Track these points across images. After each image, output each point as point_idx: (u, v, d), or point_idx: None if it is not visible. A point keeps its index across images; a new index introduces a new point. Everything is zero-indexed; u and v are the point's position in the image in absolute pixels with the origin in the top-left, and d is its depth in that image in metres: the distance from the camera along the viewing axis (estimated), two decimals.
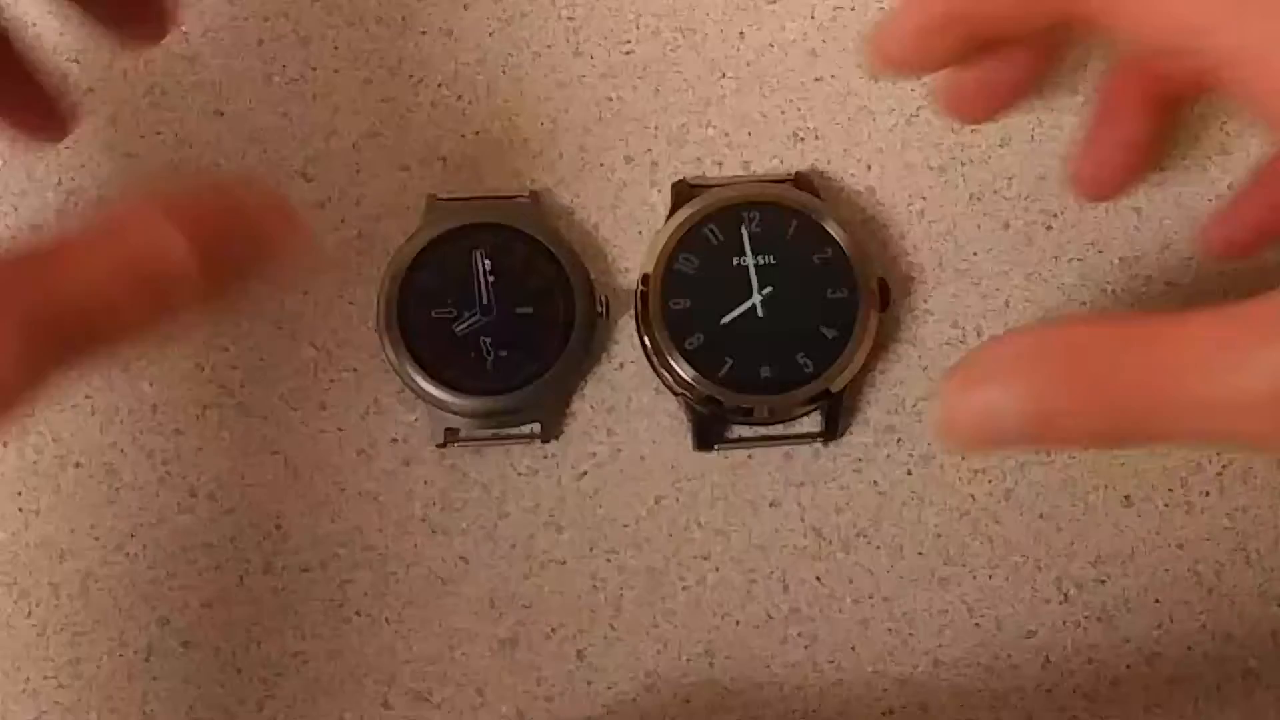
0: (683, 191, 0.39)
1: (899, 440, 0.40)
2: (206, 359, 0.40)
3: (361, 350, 0.40)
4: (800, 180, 0.39)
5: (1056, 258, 0.41)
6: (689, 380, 0.37)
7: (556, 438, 0.40)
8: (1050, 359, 0.26)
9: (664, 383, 0.38)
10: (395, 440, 0.40)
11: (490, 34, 0.42)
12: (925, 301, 0.41)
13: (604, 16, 0.42)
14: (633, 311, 0.38)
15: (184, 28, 0.39)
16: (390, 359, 0.38)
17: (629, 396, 0.40)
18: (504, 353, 0.39)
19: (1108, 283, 0.41)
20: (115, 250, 0.26)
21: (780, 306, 0.37)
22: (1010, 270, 0.41)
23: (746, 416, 0.38)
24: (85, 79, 0.41)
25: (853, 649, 0.40)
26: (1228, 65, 0.25)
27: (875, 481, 0.40)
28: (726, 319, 0.38)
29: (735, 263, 0.38)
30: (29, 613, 0.39)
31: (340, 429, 0.40)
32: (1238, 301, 0.24)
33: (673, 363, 0.37)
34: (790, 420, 0.38)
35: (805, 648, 0.40)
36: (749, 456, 0.40)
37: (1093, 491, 0.40)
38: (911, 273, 0.41)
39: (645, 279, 0.38)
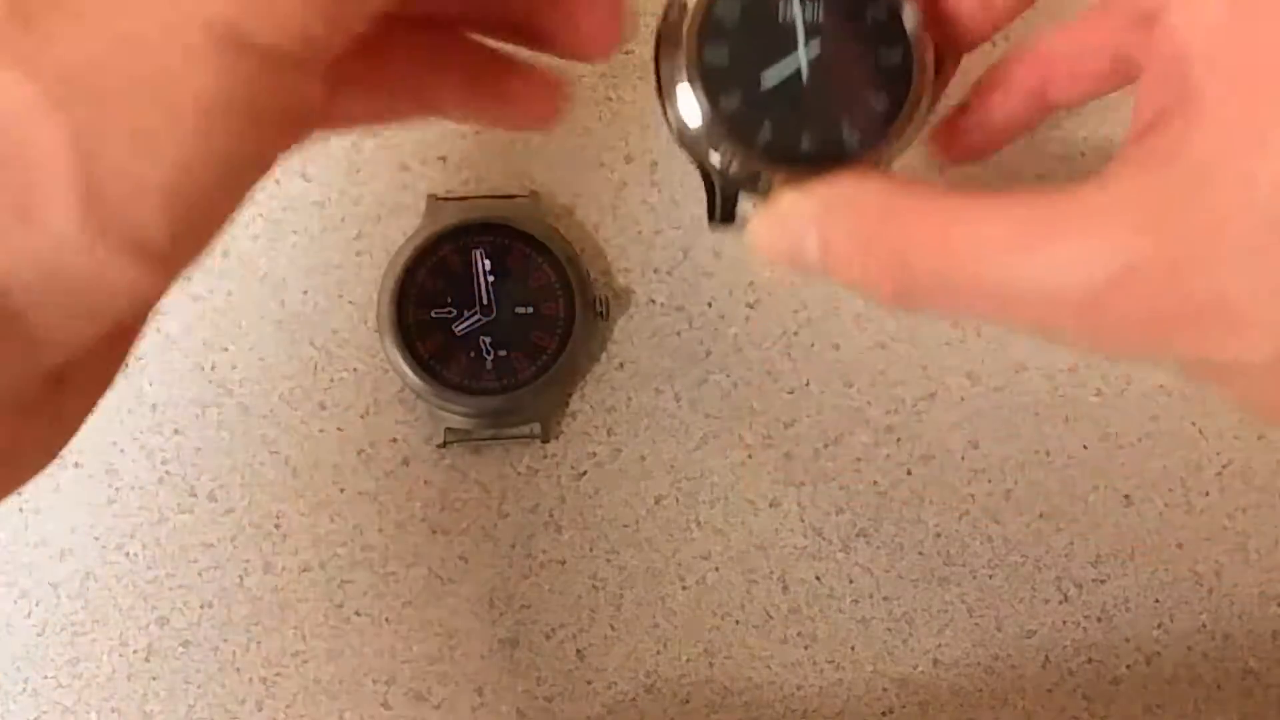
0: None
1: (899, 440, 0.40)
2: (206, 359, 0.40)
3: (361, 350, 0.40)
4: None
5: None
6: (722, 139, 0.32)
7: (556, 438, 0.40)
8: (852, 218, 0.27)
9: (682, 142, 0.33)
10: (395, 440, 0.40)
11: None
12: None
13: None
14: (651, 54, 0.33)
15: None
16: (390, 359, 0.38)
17: (629, 396, 0.40)
18: (504, 352, 0.39)
19: None
20: None
21: (828, 67, 0.32)
22: None
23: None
24: None
25: (853, 649, 0.40)
26: None
27: (875, 481, 0.40)
28: (767, 79, 0.34)
29: (781, 15, 0.34)
30: (29, 613, 0.39)
31: (340, 429, 0.40)
32: (1039, 192, 0.24)
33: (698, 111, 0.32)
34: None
35: (805, 648, 0.40)
36: (749, 457, 0.40)
37: (1093, 491, 0.40)
38: None
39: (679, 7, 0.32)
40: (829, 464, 0.40)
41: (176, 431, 0.40)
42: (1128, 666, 0.40)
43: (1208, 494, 0.41)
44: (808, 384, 0.40)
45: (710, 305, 0.40)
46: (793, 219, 0.28)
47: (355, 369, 0.40)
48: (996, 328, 0.41)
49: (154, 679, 0.39)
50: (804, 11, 0.32)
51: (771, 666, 0.40)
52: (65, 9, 0.21)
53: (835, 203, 0.28)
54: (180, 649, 0.39)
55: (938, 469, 0.40)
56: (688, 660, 0.40)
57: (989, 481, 0.40)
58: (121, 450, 0.40)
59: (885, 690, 0.40)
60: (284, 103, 0.22)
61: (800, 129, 0.31)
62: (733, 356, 0.40)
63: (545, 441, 0.40)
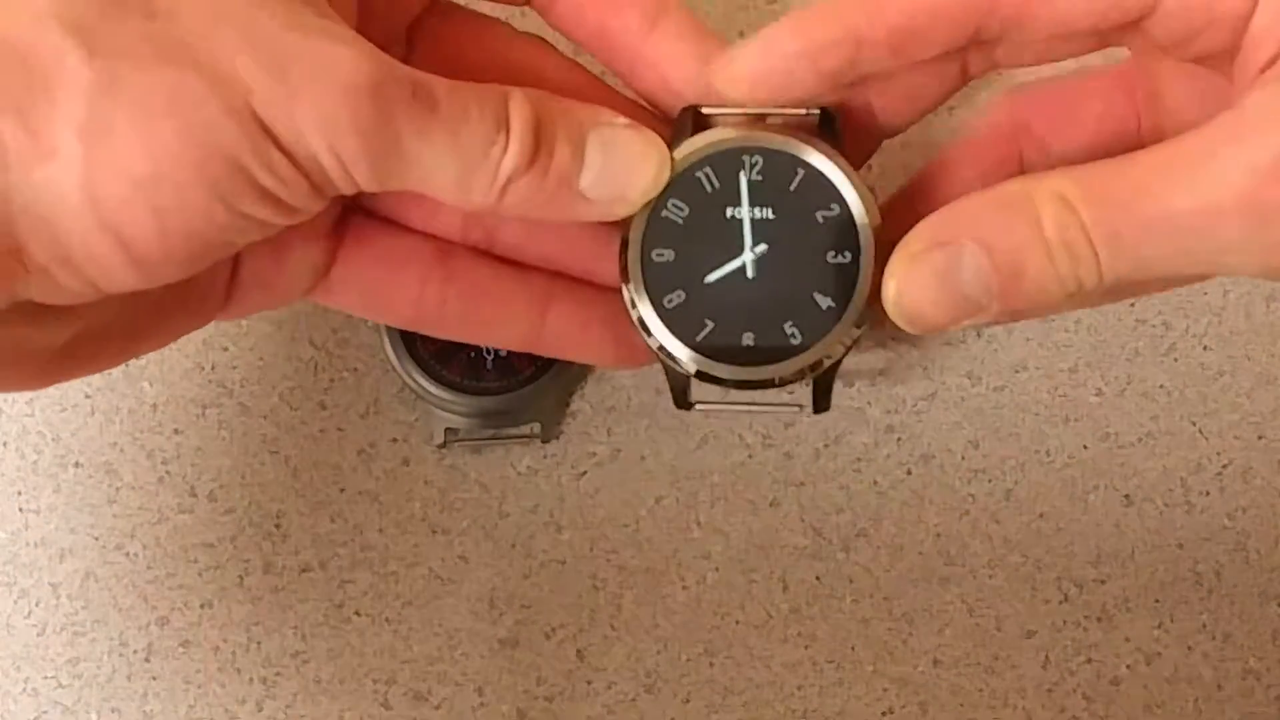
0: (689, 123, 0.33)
1: (899, 440, 0.40)
2: (206, 359, 0.40)
3: (361, 350, 0.40)
4: (824, 118, 0.32)
5: None
6: (661, 342, 0.32)
7: (556, 438, 0.40)
8: (1011, 211, 0.25)
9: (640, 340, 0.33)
10: (395, 440, 0.40)
11: None
12: None
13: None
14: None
15: None
16: (390, 359, 0.38)
17: (629, 396, 0.40)
18: (504, 353, 0.39)
19: None
20: None
21: (774, 267, 0.32)
22: None
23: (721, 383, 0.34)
24: None
25: (853, 649, 0.40)
26: None
27: (875, 481, 0.40)
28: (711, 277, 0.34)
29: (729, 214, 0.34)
30: (29, 613, 0.39)
31: (340, 429, 0.40)
32: (1181, 135, 0.25)
33: (647, 320, 0.32)
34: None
35: (805, 648, 0.40)
36: (749, 457, 0.40)
37: (1093, 491, 0.40)
38: None
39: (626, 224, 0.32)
40: (829, 464, 0.40)
41: (176, 431, 0.40)
42: (1128, 666, 0.40)
43: (1208, 494, 0.41)
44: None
45: None
46: (939, 248, 0.26)
47: (355, 369, 0.40)
48: (996, 328, 0.41)
49: (154, 679, 0.39)
50: (752, 213, 0.31)
51: (771, 666, 0.40)
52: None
53: (983, 204, 0.26)
54: (180, 649, 0.39)
55: (938, 469, 0.40)
56: (688, 660, 0.40)
57: (989, 481, 0.40)
58: (121, 450, 0.40)
59: (885, 690, 0.40)
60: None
61: (742, 328, 0.32)
62: None
63: (545, 442, 0.40)
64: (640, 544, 0.40)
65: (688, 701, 0.40)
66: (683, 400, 0.33)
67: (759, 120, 0.31)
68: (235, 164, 0.23)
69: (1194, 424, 0.41)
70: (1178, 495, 0.40)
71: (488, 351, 0.39)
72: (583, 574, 0.40)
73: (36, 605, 0.39)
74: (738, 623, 0.40)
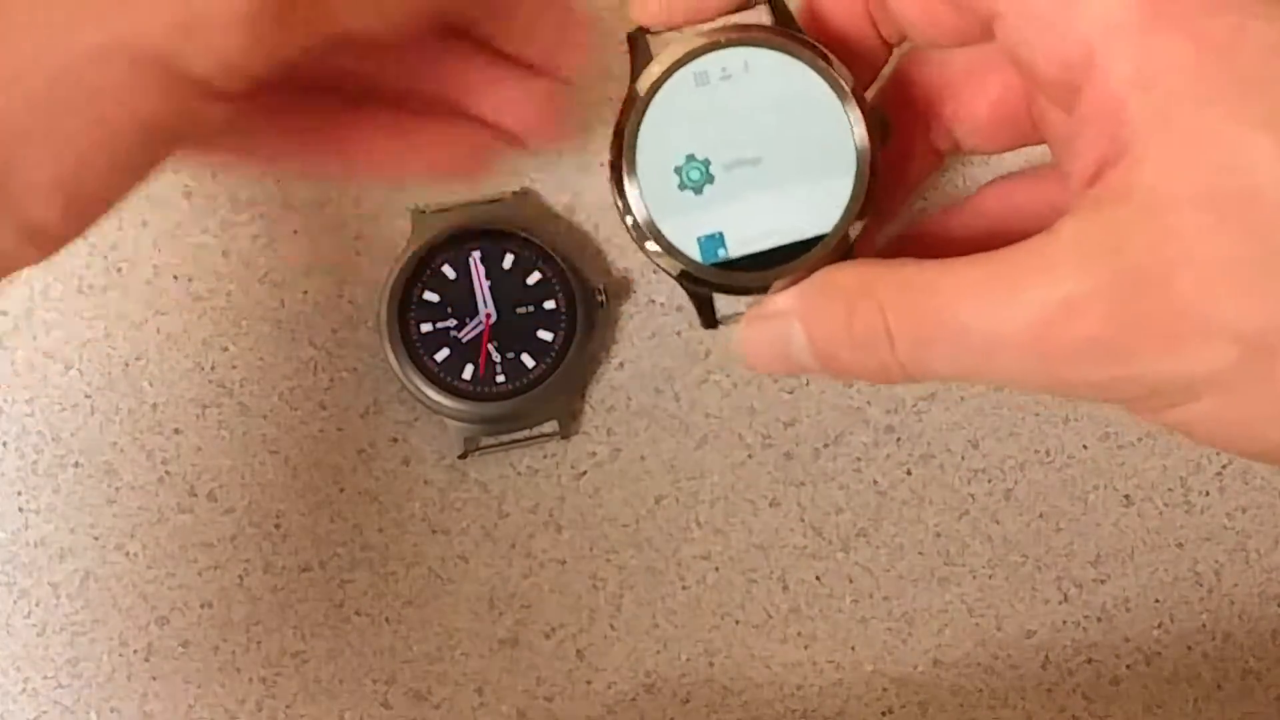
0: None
1: (899, 440, 0.40)
2: (206, 359, 0.40)
3: (361, 350, 0.40)
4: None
5: None
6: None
7: (575, 433, 0.40)
8: (831, 302, 0.28)
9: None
10: (395, 440, 0.40)
11: None
12: None
13: (604, 17, 0.42)
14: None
15: None
16: (397, 374, 0.38)
17: (629, 396, 0.40)
18: (511, 354, 0.39)
19: None
20: None
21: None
22: None
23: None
24: None
25: (853, 649, 0.40)
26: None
27: (875, 481, 0.40)
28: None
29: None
30: (29, 613, 0.39)
31: (340, 429, 0.40)
32: (1001, 249, 0.25)
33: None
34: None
35: (805, 648, 0.40)
36: (749, 457, 0.40)
37: (1093, 491, 0.40)
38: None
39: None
40: (829, 464, 0.40)
41: (176, 431, 0.40)
42: (1128, 666, 0.40)
43: (1208, 494, 0.41)
44: (807, 384, 0.40)
45: None
46: (774, 318, 0.29)
47: (355, 369, 0.40)
48: None
49: (154, 679, 0.39)
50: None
51: (771, 666, 0.40)
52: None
53: (811, 289, 0.29)
54: (180, 649, 0.39)
55: (938, 469, 0.40)
56: (688, 660, 0.40)
57: (989, 481, 0.40)
58: (121, 450, 0.40)
59: (885, 690, 0.40)
60: (187, 126, 0.25)
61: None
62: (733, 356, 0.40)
63: (565, 438, 0.40)
64: (640, 544, 0.40)
65: (687, 701, 0.40)
66: (710, 316, 0.32)
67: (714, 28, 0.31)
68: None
69: None
70: (1178, 495, 0.40)
71: (496, 355, 0.39)
72: (583, 574, 0.40)
73: (36, 605, 0.39)
74: (738, 623, 0.40)
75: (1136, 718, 0.40)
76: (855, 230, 0.30)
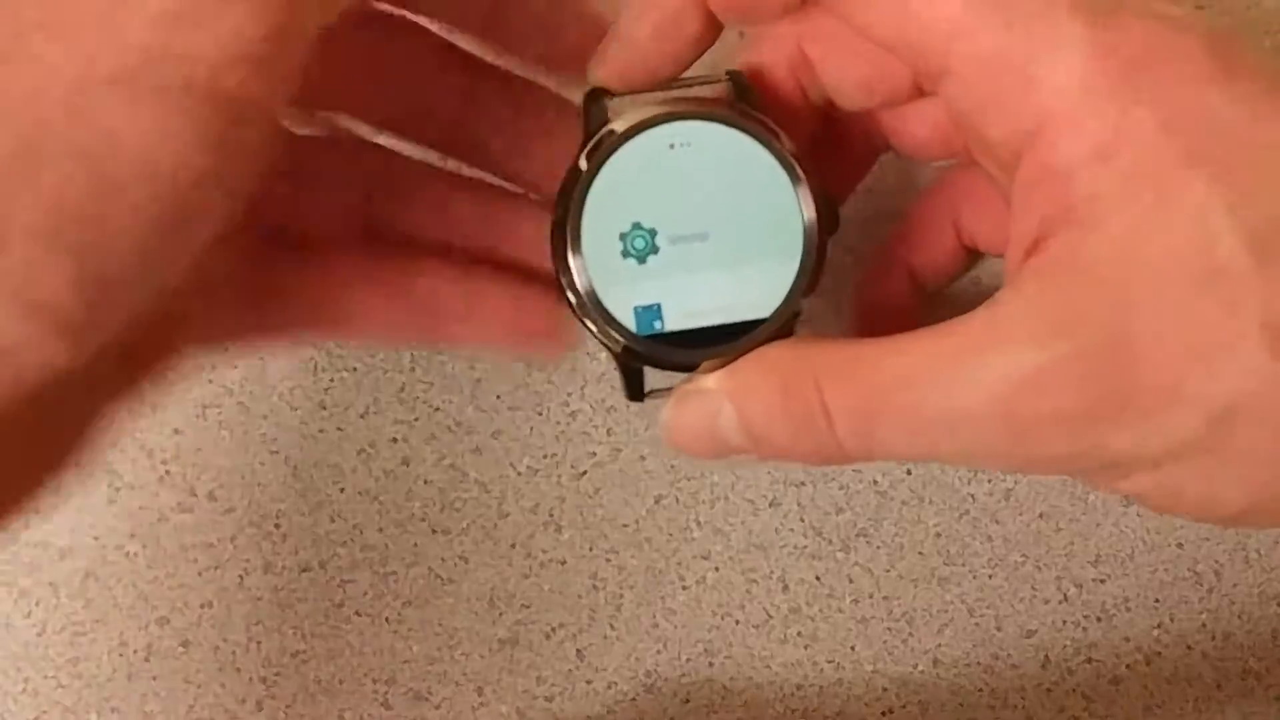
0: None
1: None
2: (206, 359, 0.40)
3: (361, 350, 0.40)
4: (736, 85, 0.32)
5: None
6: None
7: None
8: (764, 379, 0.27)
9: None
10: (395, 440, 0.40)
11: None
12: None
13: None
14: None
15: None
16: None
17: None
18: None
19: None
20: None
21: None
22: None
23: None
24: None
25: (853, 649, 0.40)
26: (965, 74, 0.25)
27: (875, 481, 0.40)
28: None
29: None
30: (29, 613, 0.39)
31: (340, 429, 0.40)
32: (945, 322, 0.25)
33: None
34: None
35: (805, 648, 0.40)
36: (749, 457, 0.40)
37: (1093, 491, 0.40)
38: None
39: None
40: None
41: (176, 431, 0.40)
42: (1128, 666, 0.40)
43: None
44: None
45: None
46: (703, 395, 0.28)
47: (355, 369, 0.40)
48: None
49: (154, 679, 0.39)
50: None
51: (771, 666, 0.40)
52: None
53: (744, 367, 0.28)
54: (180, 649, 0.39)
55: (938, 469, 0.40)
56: (688, 660, 0.40)
57: (989, 481, 0.40)
58: (121, 450, 0.40)
59: (885, 690, 0.40)
60: (221, 163, 0.22)
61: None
62: None
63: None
64: (640, 544, 0.40)
65: (687, 701, 0.40)
66: (638, 387, 0.32)
67: (672, 99, 0.30)
68: None
69: None
70: None
71: None
72: (583, 574, 0.40)
73: (36, 605, 0.39)
74: (738, 623, 0.40)
75: (1136, 718, 0.40)
76: (796, 312, 0.29)
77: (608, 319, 0.29)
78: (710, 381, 0.28)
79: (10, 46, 0.20)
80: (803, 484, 0.40)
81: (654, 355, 0.29)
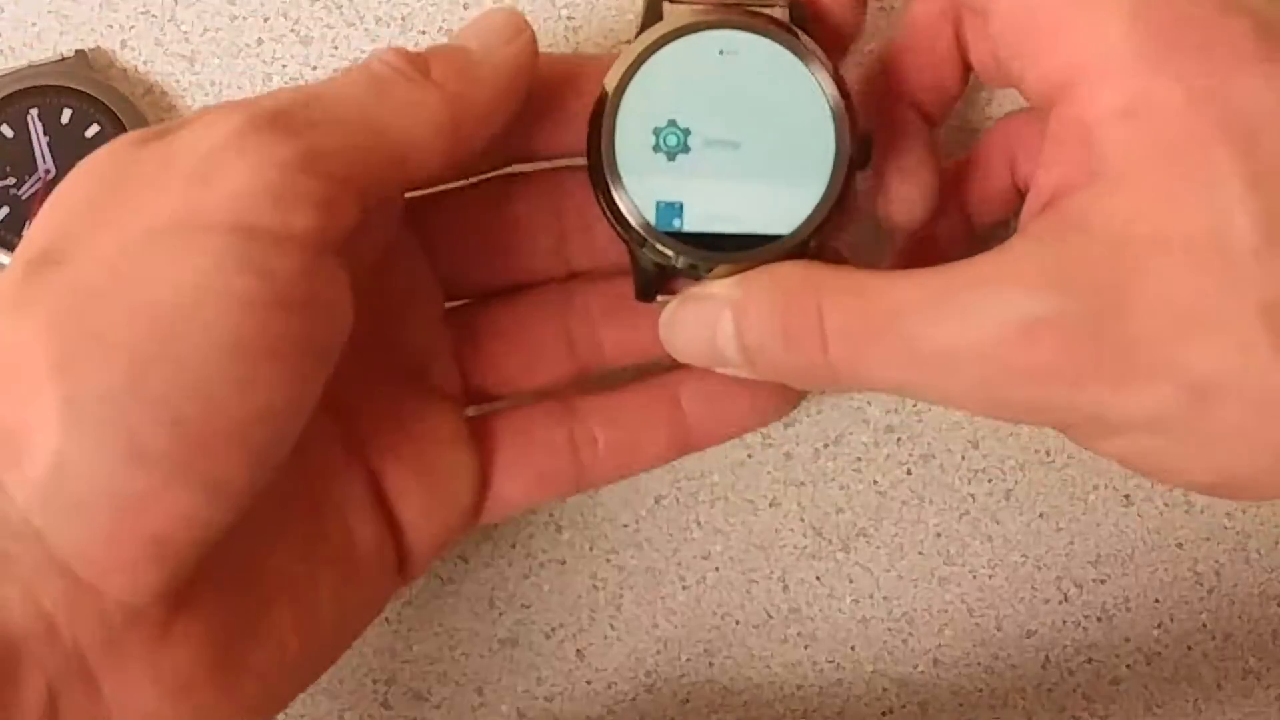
0: None
1: (899, 440, 0.40)
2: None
3: None
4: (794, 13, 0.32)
5: None
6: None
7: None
8: (769, 292, 0.27)
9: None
10: None
11: None
12: None
13: (604, 16, 0.42)
14: None
15: (184, 27, 0.38)
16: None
17: None
18: None
19: None
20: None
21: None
22: None
23: None
24: None
25: (853, 649, 0.40)
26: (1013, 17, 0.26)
27: (875, 481, 0.40)
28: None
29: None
30: None
31: None
32: (953, 263, 0.25)
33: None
34: None
35: (805, 648, 0.40)
36: (749, 457, 0.40)
37: (1093, 491, 0.40)
38: None
39: None
40: (829, 464, 0.40)
41: None
42: (1128, 666, 0.40)
43: None
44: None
45: None
46: (706, 301, 0.28)
47: None
48: None
49: None
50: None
51: (771, 666, 0.40)
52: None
53: (750, 280, 0.28)
54: None
55: (938, 469, 0.40)
56: (688, 660, 0.40)
57: (989, 481, 0.40)
58: None
59: (885, 690, 0.40)
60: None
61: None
62: None
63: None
64: (640, 544, 0.40)
65: (687, 701, 0.40)
66: (649, 288, 0.32)
67: (730, 8, 0.31)
68: None
69: None
70: (1178, 495, 0.40)
71: None
72: (583, 574, 0.40)
73: None
74: (738, 623, 0.40)
75: (1136, 718, 0.40)
76: (814, 239, 0.29)
77: (630, 207, 0.29)
78: (717, 288, 0.28)
79: None
80: (803, 484, 0.40)
81: (666, 251, 0.29)
